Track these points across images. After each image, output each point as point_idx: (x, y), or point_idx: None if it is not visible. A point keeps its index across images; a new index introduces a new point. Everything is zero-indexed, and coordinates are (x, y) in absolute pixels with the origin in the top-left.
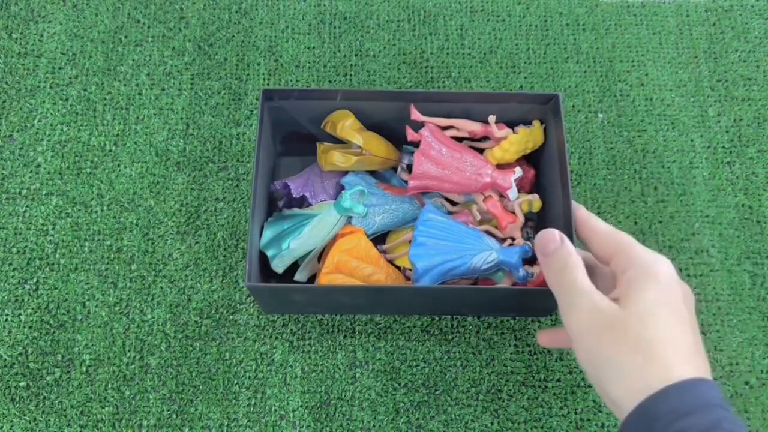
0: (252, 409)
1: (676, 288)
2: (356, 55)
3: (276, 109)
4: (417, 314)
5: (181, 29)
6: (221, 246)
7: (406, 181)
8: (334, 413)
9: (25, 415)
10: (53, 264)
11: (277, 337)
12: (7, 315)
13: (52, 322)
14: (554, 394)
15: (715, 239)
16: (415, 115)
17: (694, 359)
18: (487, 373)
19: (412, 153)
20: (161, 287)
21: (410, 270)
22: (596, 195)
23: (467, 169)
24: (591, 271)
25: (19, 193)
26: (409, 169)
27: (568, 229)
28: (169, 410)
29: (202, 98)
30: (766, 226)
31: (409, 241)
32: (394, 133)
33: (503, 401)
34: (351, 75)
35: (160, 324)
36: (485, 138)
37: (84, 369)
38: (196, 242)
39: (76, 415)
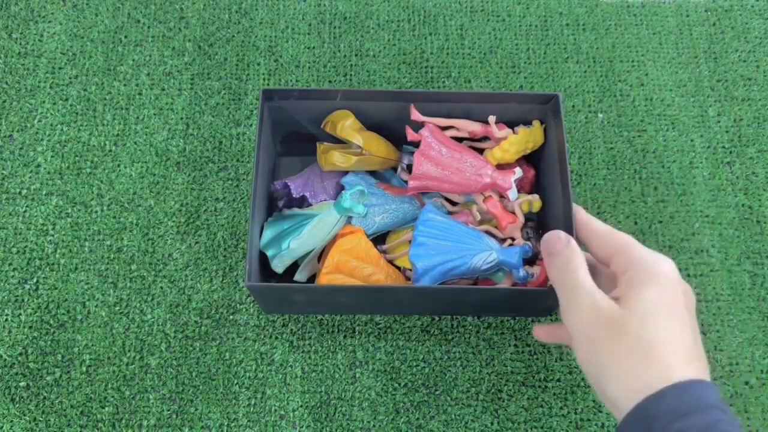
0: (252, 409)
1: (677, 288)
2: (356, 55)
3: (276, 109)
4: (417, 314)
5: (181, 29)
6: (221, 246)
7: (406, 182)
8: (334, 413)
9: (25, 415)
10: (53, 264)
11: (277, 337)
12: (7, 315)
13: (52, 322)
14: (554, 394)
15: (715, 239)
16: (415, 115)
17: (694, 360)
18: (487, 373)
19: (412, 153)
20: (161, 287)
21: (410, 270)
22: (596, 195)
23: (467, 170)
24: (592, 271)
25: (19, 193)
26: (409, 169)
27: (569, 229)
28: (169, 410)
29: (202, 98)
30: (766, 226)
31: (409, 241)
32: (394, 133)
33: (503, 401)
34: (351, 75)
35: (160, 324)
36: (485, 138)
37: (84, 369)
38: (196, 242)
39: (76, 415)
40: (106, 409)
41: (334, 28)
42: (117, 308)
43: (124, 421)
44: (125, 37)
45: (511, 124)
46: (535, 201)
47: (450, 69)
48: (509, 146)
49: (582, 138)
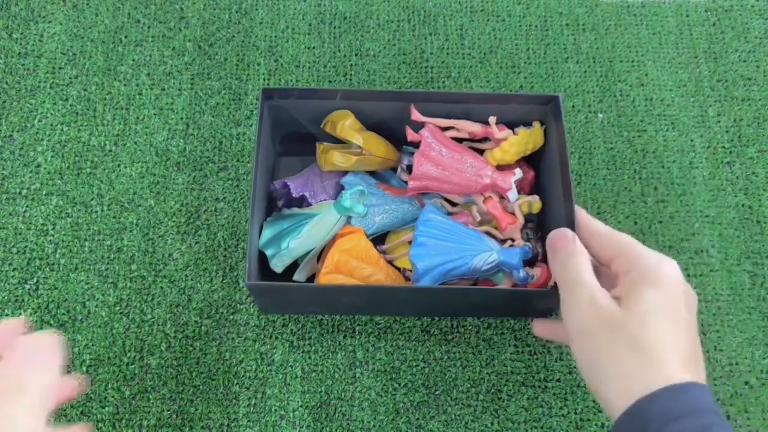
0: (252, 409)
1: (678, 290)
2: (356, 55)
3: (276, 108)
4: (416, 315)
5: (181, 29)
6: (221, 246)
7: (405, 182)
8: (334, 413)
9: None
10: (53, 264)
11: (277, 337)
12: (7, 315)
13: (52, 322)
14: (554, 394)
15: (715, 239)
16: (415, 115)
17: (690, 363)
18: (487, 373)
19: (412, 153)
20: (161, 287)
21: (410, 271)
22: (596, 195)
23: (467, 170)
24: (594, 271)
25: (19, 193)
26: (409, 169)
27: (571, 229)
28: (169, 410)
29: (202, 98)
30: (766, 226)
31: (409, 242)
32: (394, 133)
33: (503, 401)
34: (351, 75)
35: (160, 324)
36: (485, 139)
37: (84, 369)
38: (196, 242)
39: (76, 415)
40: (106, 409)
41: (334, 28)
42: (117, 308)
43: (124, 421)
44: (125, 37)
45: (512, 125)
46: (534, 202)
47: (450, 69)
48: (509, 147)
49: (582, 138)
